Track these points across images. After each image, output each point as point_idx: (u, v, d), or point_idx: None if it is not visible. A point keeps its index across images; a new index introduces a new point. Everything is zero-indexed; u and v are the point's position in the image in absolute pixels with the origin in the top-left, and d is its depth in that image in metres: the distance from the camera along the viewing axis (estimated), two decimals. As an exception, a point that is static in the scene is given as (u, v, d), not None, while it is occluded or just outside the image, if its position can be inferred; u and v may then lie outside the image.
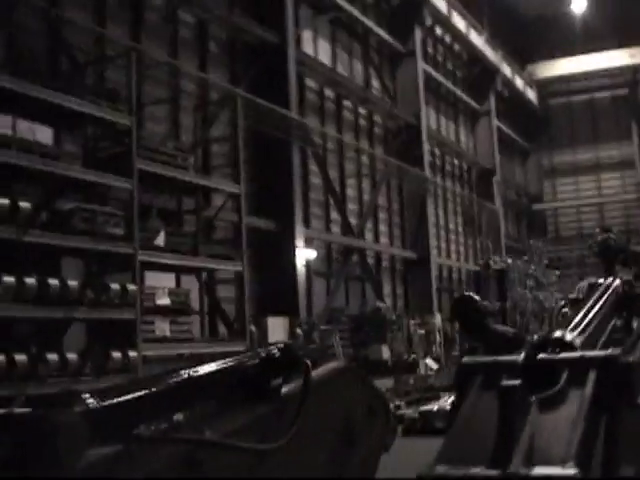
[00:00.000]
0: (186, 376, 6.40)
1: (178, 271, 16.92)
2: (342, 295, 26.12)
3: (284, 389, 7.12)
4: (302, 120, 23.06)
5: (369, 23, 29.11)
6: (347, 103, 28.23)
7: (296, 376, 7.30)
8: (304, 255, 22.01)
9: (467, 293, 7.23)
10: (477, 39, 39.24)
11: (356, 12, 27.83)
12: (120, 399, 5.84)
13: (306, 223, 23.35)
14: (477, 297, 9.44)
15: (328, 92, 26.91)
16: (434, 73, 35.26)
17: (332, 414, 7.52)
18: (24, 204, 11.92)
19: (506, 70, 43.76)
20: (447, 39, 38.40)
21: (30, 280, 11.86)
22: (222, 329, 18.30)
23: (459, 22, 36.99)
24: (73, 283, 12.63)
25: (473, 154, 40.17)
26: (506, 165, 44.69)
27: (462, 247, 37.54)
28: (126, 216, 14.19)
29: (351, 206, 27.49)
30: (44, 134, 13.00)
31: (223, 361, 7.52)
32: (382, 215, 30.03)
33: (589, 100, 50.77)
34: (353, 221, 27.22)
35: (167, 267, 15.65)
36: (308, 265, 22.68)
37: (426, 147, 32.08)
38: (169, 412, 6.36)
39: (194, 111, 19.02)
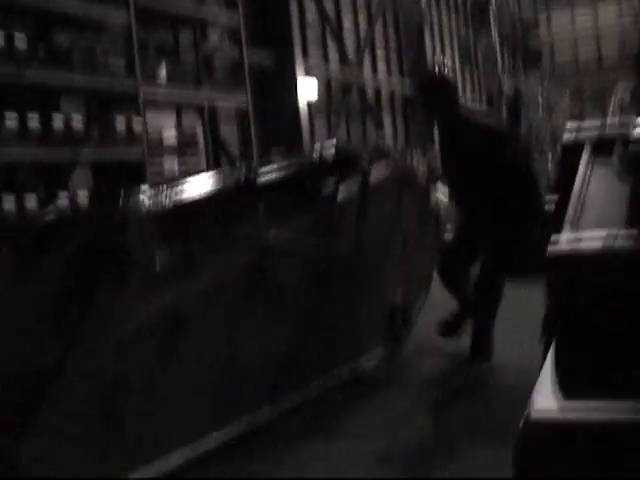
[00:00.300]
0: (244, 180, 6.01)
1: (179, 108, 16.35)
2: (343, 133, 25.61)
3: (340, 193, 6.79)
4: None
5: None
6: None
7: (351, 178, 6.96)
8: (305, 87, 21.38)
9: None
10: None
11: None
12: (181, 201, 5.54)
13: (305, 57, 22.62)
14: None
15: None
16: None
17: (386, 223, 7.18)
18: (20, 35, 11.36)
19: None
20: None
21: (33, 119, 11.37)
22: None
23: None
24: (77, 120, 12.15)
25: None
26: (501, -5, 43.41)
27: (459, 83, 36.73)
28: (125, 50, 13.62)
29: (349, 42, 26.67)
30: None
31: (280, 164, 7.12)
32: (380, 52, 29.22)
33: None
34: (351, 55, 26.46)
35: (169, 104, 15.12)
36: (309, 103, 22.10)
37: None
38: (229, 217, 6.00)
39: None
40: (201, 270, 5.41)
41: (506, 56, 42.11)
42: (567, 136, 3.72)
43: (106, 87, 12.90)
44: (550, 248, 2.85)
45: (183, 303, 5.11)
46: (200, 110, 16.29)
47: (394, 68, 30.13)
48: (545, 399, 2.60)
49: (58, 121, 11.76)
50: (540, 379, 2.74)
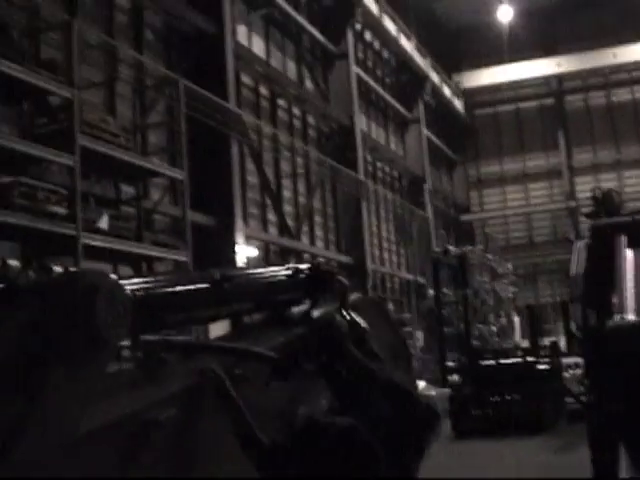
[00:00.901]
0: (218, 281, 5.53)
1: (118, 260, 15.96)
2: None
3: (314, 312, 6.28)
4: (240, 112, 22.19)
5: (302, 21, 28.42)
6: (281, 102, 27.48)
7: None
8: (244, 253, 21.18)
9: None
10: (407, 44, 38.76)
11: (289, 9, 27.15)
12: (152, 290, 4.97)
13: (245, 221, 22.51)
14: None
15: (263, 90, 26.13)
16: (365, 77, 34.70)
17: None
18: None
19: (434, 78, 43.34)
20: (376, 45, 37.94)
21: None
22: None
23: (390, 26, 36.46)
24: (14, 263, 11.65)
25: (403, 162, 39.60)
26: (434, 174, 44.26)
27: (395, 255, 36.93)
28: (67, 196, 13.29)
29: (287, 208, 26.73)
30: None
31: (254, 271, 6.61)
32: (318, 219, 29.32)
33: (515, 110, 50.60)
34: (290, 222, 26.48)
35: (108, 254, 14.72)
36: (248, 263, 21.82)
37: (360, 150, 31.49)
38: (200, 314, 5.50)
39: (132, 94, 18.14)
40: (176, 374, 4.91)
41: (442, 233, 42.62)
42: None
43: (44, 230, 12.46)
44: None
45: (155, 407, 4.56)
46: (137, 263, 15.91)
47: (332, 237, 30.16)
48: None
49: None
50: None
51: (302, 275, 6.66)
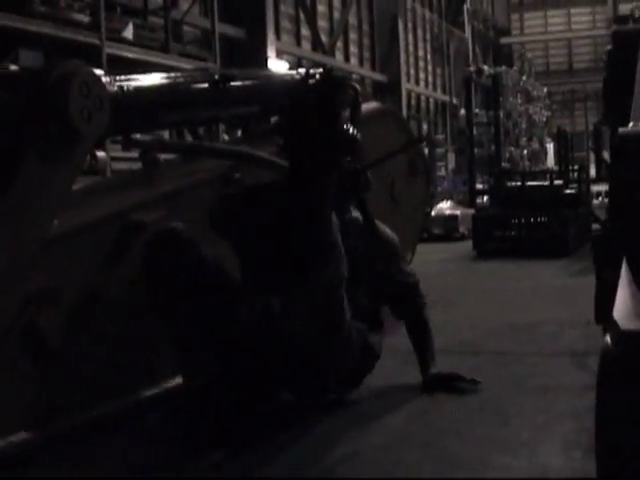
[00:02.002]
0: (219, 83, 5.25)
1: (144, 72, 15.68)
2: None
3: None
4: None
5: None
6: None
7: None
8: (275, 67, 20.80)
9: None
10: None
11: None
12: (144, 86, 4.74)
13: (277, 35, 22.06)
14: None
15: None
16: None
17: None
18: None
19: None
20: None
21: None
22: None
23: None
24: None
25: (444, -22, 38.47)
26: (475, -6, 43.12)
27: (430, 76, 36.30)
28: (91, 4, 12.99)
29: (322, 23, 26.14)
30: None
31: (261, 72, 6.37)
32: (353, 35, 28.70)
33: None
34: (324, 38, 25.95)
35: (134, 64, 14.45)
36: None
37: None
38: (197, 115, 5.31)
39: None
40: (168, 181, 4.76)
41: (478, 54, 41.80)
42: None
43: (67, 38, 12.22)
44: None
45: (141, 210, 4.41)
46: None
47: (366, 54, 29.65)
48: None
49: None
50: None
51: (313, 80, 6.42)
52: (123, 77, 4.39)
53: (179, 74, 5.32)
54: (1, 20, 11.10)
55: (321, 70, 6.41)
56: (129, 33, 13.94)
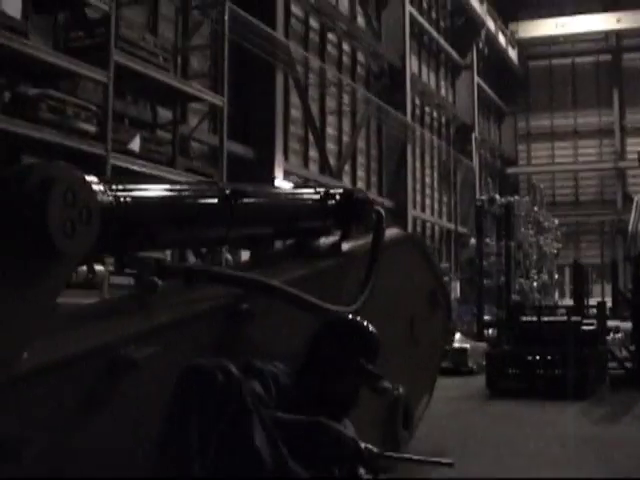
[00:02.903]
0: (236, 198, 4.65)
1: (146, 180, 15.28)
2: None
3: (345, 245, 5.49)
4: (287, 43, 21.38)
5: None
6: (332, 37, 26.58)
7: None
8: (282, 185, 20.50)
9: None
10: (464, -13, 37.66)
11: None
12: (144, 197, 4.08)
13: (285, 156, 21.77)
14: None
15: (313, 22, 25.24)
16: (420, 18, 33.66)
17: (396, 289, 5.87)
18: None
19: (490, 25, 42.20)
20: (433, -15, 36.88)
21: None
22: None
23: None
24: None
25: (452, 108, 38.60)
26: (482, 124, 43.31)
27: (437, 203, 36.11)
28: (98, 114, 12.60)
29: (330, 145, 25.94)
30: (12, 5, 11.32)
31: (276, 190, 5.76)
32: (361, 159, 28.53)
33: (571, 64, 49.27)
34: (332, 161, 25.71)
35: (139, 177, 14.07)
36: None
37: (409, 92, 30.64)
38: (204, 234, 4.68)
39: (176, 14, 17.39)
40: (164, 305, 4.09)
41: (490, 183, 41.75)
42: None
43: (73, 147, 11.79)
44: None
45: (132, 343, 3.71)
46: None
47: (374, 179, 29.45)
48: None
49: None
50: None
51: (333, 201, 5.83)
52: (120, 186, 3.75)
53: (185, 186, 4.71)
54: (5, 125, 10.63)
55: (341, 190, 5.85)
56: (136, 145, 13.54)
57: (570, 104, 48.47)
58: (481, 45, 41.96)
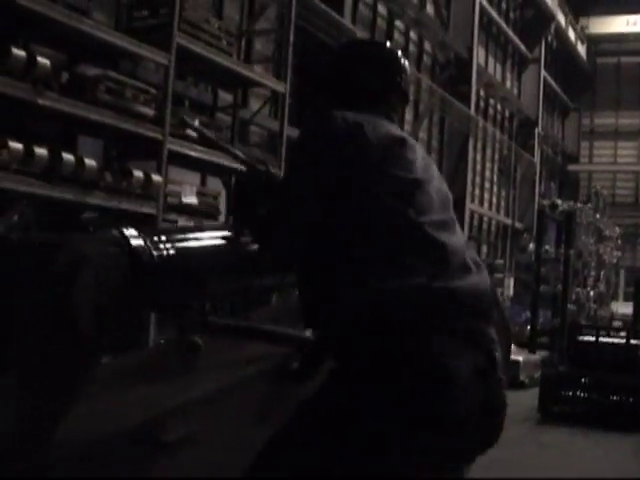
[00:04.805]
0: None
1: (205, 170, 14.99)
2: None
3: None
4: (354, 29, 20.93)
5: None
6: (399, 24, 26.11)
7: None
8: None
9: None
10: (536, -21, 36.93)
11: None
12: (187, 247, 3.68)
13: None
14: None
15: (381, 8, 24.79)
16: (489, 9, 33.00)
17: None
18: (43, 60, 9.98)
19: (561, 19, 41.39)
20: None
21: (41, 151, 9.93)
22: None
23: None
24: (91, 163, 10.72)
25: (517, 102, 37.90)
26: (546, 119, 42.57)
27: (495, 197, 35.51)
28: (157, 97, 12.29)
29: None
30: (75, -18, 11.06)
31: None
32: (421, 150, 28.05)
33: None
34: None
35: (194, 163, 13.76)
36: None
37: (474, 85, 30.10)
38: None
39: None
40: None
41: (545, 178, 41.07)
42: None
43: (129, 130, 11.50)
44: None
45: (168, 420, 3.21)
46: (228, 175, 14.91)
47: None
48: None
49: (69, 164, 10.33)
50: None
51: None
52: (163, 236, 3.23)
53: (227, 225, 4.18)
54: (62, 105, 10.33)
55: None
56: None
57: (637, 103, 47.49)
58: (550, 39, 41.15)
